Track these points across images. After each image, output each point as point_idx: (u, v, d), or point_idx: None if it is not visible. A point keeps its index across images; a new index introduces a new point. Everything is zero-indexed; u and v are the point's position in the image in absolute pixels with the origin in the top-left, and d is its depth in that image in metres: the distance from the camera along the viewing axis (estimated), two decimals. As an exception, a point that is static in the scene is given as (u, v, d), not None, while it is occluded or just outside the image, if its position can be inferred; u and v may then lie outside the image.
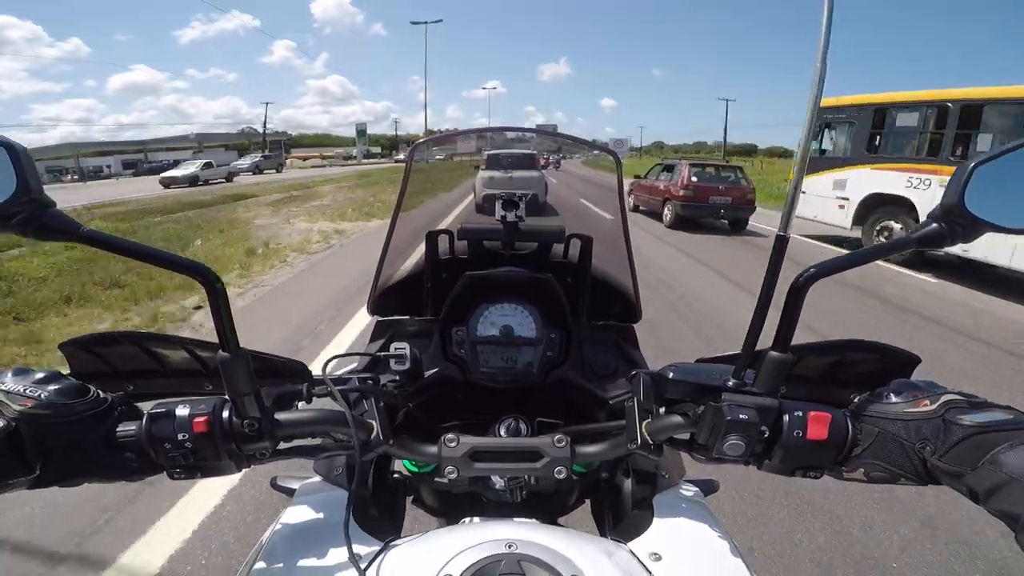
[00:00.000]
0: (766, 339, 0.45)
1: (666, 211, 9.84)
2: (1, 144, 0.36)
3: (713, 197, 9.28)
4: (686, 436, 0.50)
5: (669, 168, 10.46)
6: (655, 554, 0.51)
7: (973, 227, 0.39)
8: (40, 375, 0.44)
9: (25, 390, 0.42)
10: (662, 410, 0.52)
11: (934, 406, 0.43)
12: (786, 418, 0.45)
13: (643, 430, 0.51)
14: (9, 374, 0.43)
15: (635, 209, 11.16)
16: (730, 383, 0.47)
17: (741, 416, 0.44)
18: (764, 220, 10.42)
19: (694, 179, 9.44)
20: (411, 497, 0.78)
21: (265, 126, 56.21)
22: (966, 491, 0.40)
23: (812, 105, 0.44)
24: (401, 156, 56.27)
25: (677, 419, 0.49)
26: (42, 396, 0.42)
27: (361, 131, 59.50)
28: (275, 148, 54.73)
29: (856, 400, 0.48)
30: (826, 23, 0.44)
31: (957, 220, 0.40)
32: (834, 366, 0.60)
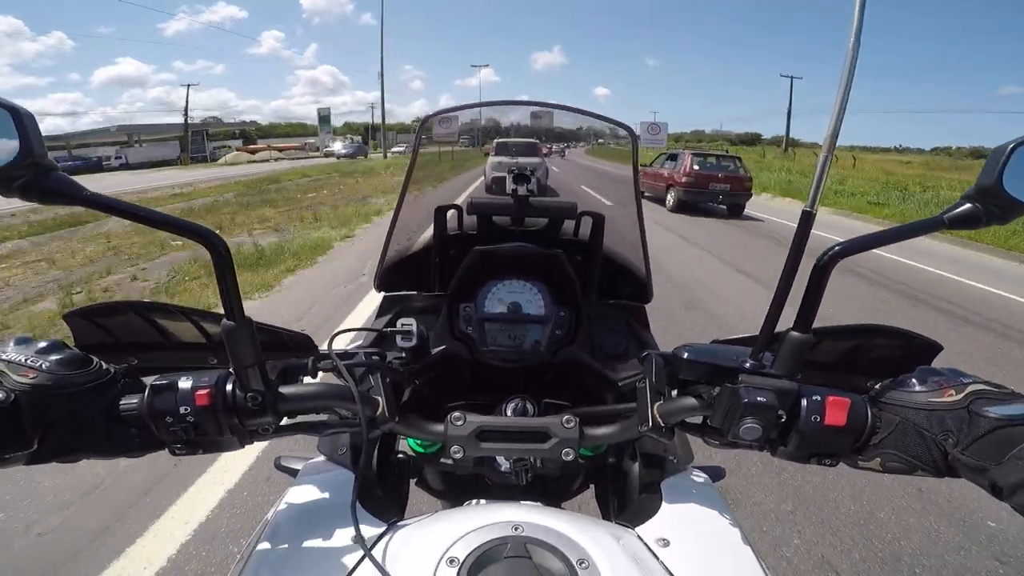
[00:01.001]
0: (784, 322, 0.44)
1: (669, 196, 10.35)
2: (5, 108, 0.35)
3: (713, 184, 9.86)
4: (699, 419, 0.48)
5: (672, 157, 10.96)
6: (663, 539, 0.50)
7: (1010, 209, 0.37)
8: (42, 345, 0.43)
9: (26, 360, 0.41)
10: (674, 392, 0.51)
11: (959, 396, 0.41)
12: (804, 402, 0.43)
13: (655, 412, 0.50)
14: (11, 343, 0.42)
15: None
16: (748, 364, 0.45)
17: (759, 399, 0.42)
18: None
19: (696, 167, 10.01)
20: (414, 480, 0.77)
21: (187, 111, 43.97)
22: (988, 486, 0.38)
23: (844, 82, 0.42)
24: (336, 147, 44.88)
25: (691, 401, 0.48)
26: (43, 367, 0.41)
27: (324, 117, 48.80)
28: (197, 137, 45.48)
29: (876, 387, 0.46)
30: (860, 1, 0.42)
31: (993, 201, 0.38)
32: (852, 351, 0.58)
